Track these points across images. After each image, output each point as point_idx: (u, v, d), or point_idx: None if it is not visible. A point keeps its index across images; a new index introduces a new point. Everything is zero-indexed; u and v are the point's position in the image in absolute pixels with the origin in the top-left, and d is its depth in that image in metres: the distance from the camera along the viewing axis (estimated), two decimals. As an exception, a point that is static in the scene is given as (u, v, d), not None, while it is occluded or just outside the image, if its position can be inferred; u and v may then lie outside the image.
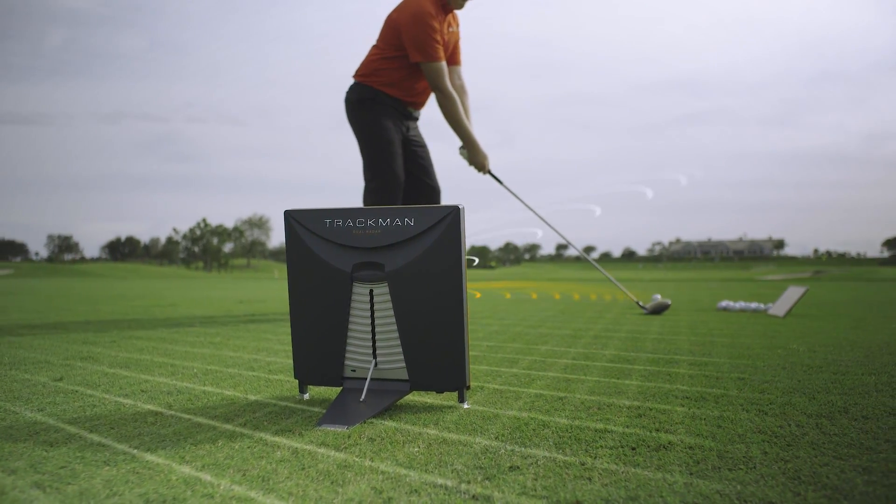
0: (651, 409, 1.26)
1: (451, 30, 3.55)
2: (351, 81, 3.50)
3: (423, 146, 3.69)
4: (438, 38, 3.38)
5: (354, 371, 1.37)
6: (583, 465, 0.93)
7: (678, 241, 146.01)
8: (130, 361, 1.95)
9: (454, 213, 1.28)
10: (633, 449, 1.00)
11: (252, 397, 1.42)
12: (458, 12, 3.61)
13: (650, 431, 1.10)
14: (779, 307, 3.52)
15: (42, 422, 1.20)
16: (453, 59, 3.70)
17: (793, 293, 3.51)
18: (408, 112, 3.56)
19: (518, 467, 0.92)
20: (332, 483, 0.85)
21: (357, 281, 1.33)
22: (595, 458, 0.96)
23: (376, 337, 1.34)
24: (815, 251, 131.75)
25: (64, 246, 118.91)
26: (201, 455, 0.98)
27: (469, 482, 0.85)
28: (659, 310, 3.63)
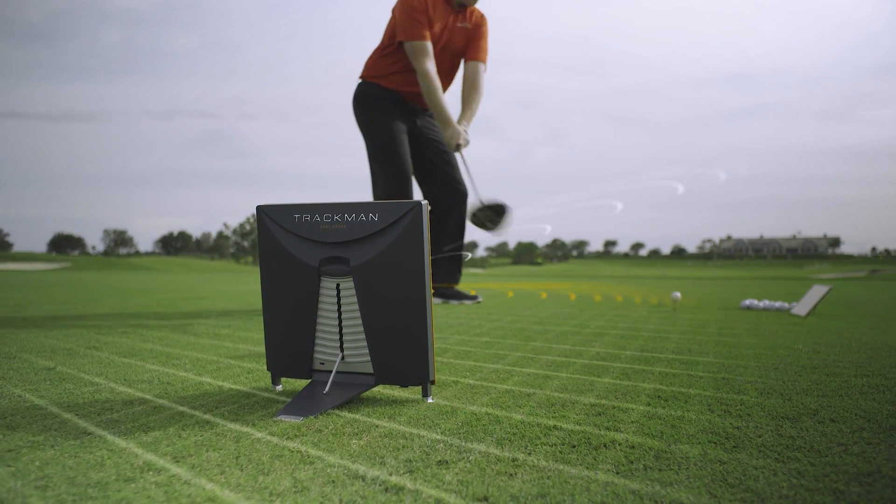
0: (612, 408, 1.25)
1: (460, 25, 3.58)
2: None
3: (441, 141, 3.72)
4: (421, 18, 3.44)
5: (323, 364, 1.39)
6: (514, 461, 0.93)
7: (729, 238, 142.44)
8: (131, 350, 2.02)
9: (416, 209, 1.29)
10: (574, 447, 0.99)
11: (238, 388, 1.46)
12: (484, 12, 3.69)
13: (601, 430, 1.09)
14: (801, 306, 3.41)
15: (31, 403, 1.26)
16: (472, 55, 3.72)
17: (816, 292, 3.39)
18: (410, 106, 3.61)
19: (446, 462, 0.92)
20: (257, 471, 0.87)
21: (324, 275, 1.35)
22: (530, 454, 0.96)
23: (343, 330, 1.36)
24: (873, 249, 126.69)
25: (119, 240, 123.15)
26: (165, 441, 1.02)
27: (391, 475, 0.86)
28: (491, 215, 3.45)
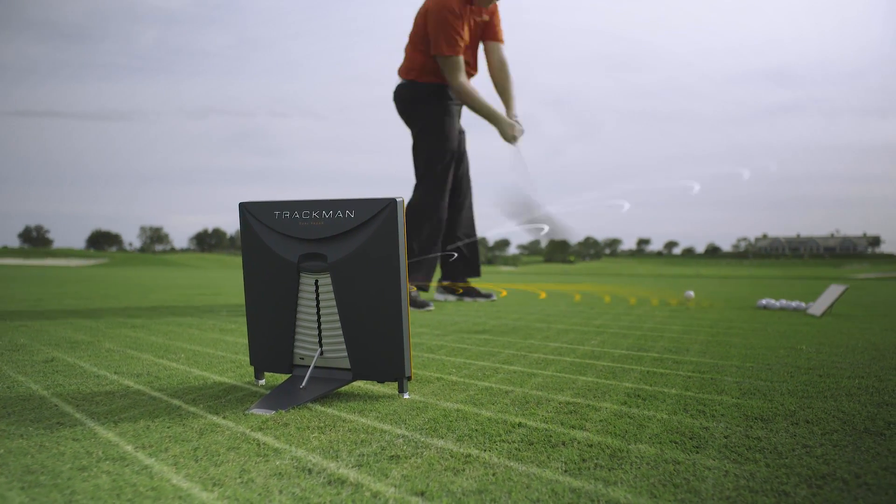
0: (585, 406, 1.24)
1: (480, 18, 3.63)
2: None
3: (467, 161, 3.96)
4: (459, 31, 3.44)
5: (303, 359, 1.41)
6: (467, 458, 0.93)
7: (765, 236, 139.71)
8: (134, 343, 2.06)
9: (391, 206, 1.29)
10: (531, 444, 0.99)
11: (223, 381, 1.48)
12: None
13: (565, 428, 1.08)
14: (817, 306, 3.33)
15: (18, 393, 1.30)
16: (493, 36, 3.79)
17: (832, 292, 3.31)
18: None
19: (398, 457, 0.93)
20: (210, 462, 0.89)
21: (303, 271, 1.36)
22: (485, 451, 0.96)
23: (322, 326, 1.38)
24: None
25: (155, 237, 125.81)
26: (133, 431, 1.04)
27: (339, 469, 0.87)
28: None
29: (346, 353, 1.36)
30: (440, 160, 3.71)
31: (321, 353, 1.38)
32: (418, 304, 3.52)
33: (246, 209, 1.40)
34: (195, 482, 0.81)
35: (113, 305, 3.84)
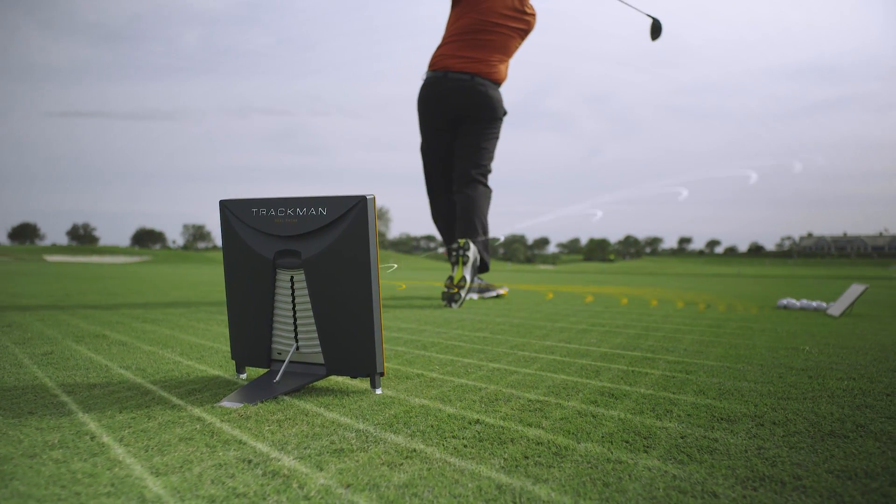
0: (549, 404, 1.23)
1: None
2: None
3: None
4: None
5: (280, 354, 1.43)
6: (412, 452, 0.94)
7: (810, 235, 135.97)
8: (139, 335, 2.12)
9: (362, 203, 1.31)
10: (480, 441, 0.99)
11: (208, 374, 1.52)
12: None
13: (522, 425, 1.08)
14: (837, 306, 3.23)
15: (5, 384, 1.35)
16: None
17: (853, 291, 3.20)
18: None
19: (343, 450, 0.94)
20: (157, 452, 0.92)
21: (279, 268, 1.39)
22: (431, 447, 0.96)
23: (297, 322, 1.40)
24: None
25: (197, 234, 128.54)
26: (96, 420, 1.08)
27: (280, 461, 0.89)
28: None
29: (320, 349, 1.38)
30: (493, 158, 4.32)
31: (297, 348, 1.40)
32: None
33: (226, 207, 1.43)
34: (135, 471, 0.84)
35: (134, 301, 3.95)
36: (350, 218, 1.31)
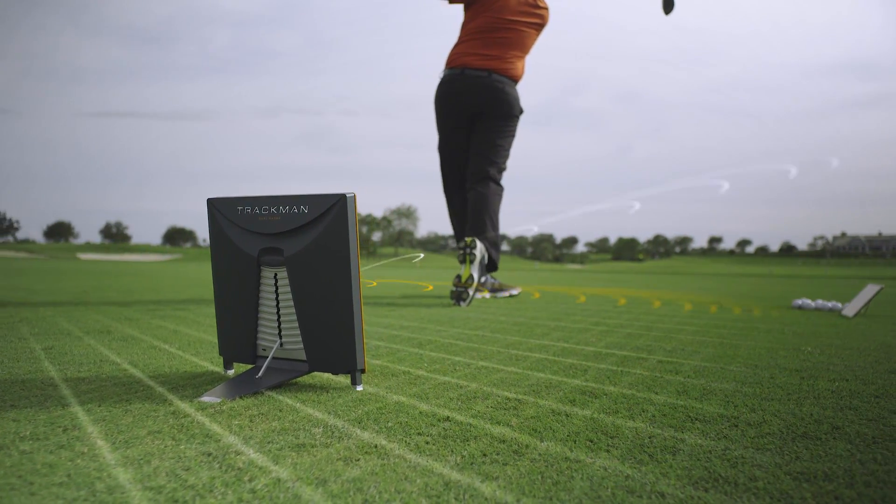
0: (523, 402, 1.23)
1: None
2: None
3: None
4: None
5: (265, 350, 1.45)
6: (373, 447, 0.94)
7: (844, 235, 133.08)
8: (144, 329, 2.16)
9: (342, 202, 1.32)
10: (444, 438, 1.00)
11: (197, 368, 1.55)
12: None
13: (490, 423, 1.08)
14: (851, 307, 3.16)
15: (13, 376, 1.39)
16: None
17: (868, 292, 3.13)
18: None
19: (305, 446, 0.95)
20: (125, 444, 0.94)
21: (263, 265, 1.41)
22: (393, 443, 0.97)
23: (281, 318, 1.41)
24: None
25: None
26: (74, 413, 1.11)
27: (240, 455, 0.90)
28: None
29: (303, 345, 1.39)
30: (508, 156, 4.34)
31: (280, 344, 1.42)
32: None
33: (213, 205, 1.46)
34: (95, 464, 0.86)
35: (149, 297, 4.02)
36: (331, 216, 1.32)
